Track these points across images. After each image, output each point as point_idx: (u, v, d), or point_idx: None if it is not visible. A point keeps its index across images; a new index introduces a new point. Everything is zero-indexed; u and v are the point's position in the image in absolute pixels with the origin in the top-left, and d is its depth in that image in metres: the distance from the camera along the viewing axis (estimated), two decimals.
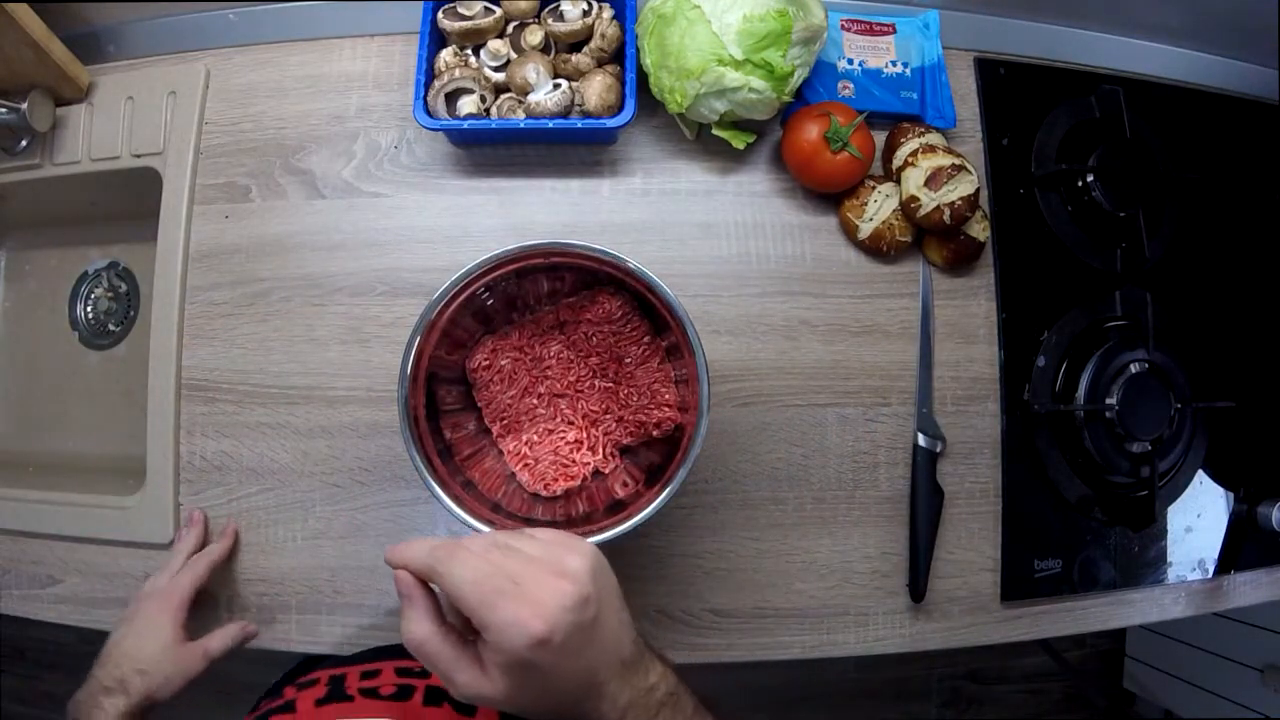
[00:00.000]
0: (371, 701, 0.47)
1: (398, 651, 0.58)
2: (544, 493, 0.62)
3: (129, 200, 0.73)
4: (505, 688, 0.33)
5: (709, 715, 0.39)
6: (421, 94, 0.63)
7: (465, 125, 0.63)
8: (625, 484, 0.60)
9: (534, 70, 0.63)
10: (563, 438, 0.62)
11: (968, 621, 0.66)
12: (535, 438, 0.63)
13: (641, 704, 0.36)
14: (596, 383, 0.62)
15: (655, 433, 0.60)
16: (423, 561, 0.35)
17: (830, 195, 0.68)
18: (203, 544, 0.64)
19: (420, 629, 0.35)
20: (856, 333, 0.68)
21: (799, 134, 0.65)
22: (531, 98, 0.63)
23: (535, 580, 0.33)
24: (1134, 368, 0.69)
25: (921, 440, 0.66)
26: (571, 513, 0.59)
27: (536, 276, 0.59)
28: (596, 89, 0.63)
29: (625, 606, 0.37)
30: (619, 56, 0.66)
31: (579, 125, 0.63)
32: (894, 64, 0.70)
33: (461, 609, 0.34)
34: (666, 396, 0.60)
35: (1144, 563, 0.70)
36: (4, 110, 0.65)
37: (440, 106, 0.64)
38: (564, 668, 0.33)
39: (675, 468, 0.52)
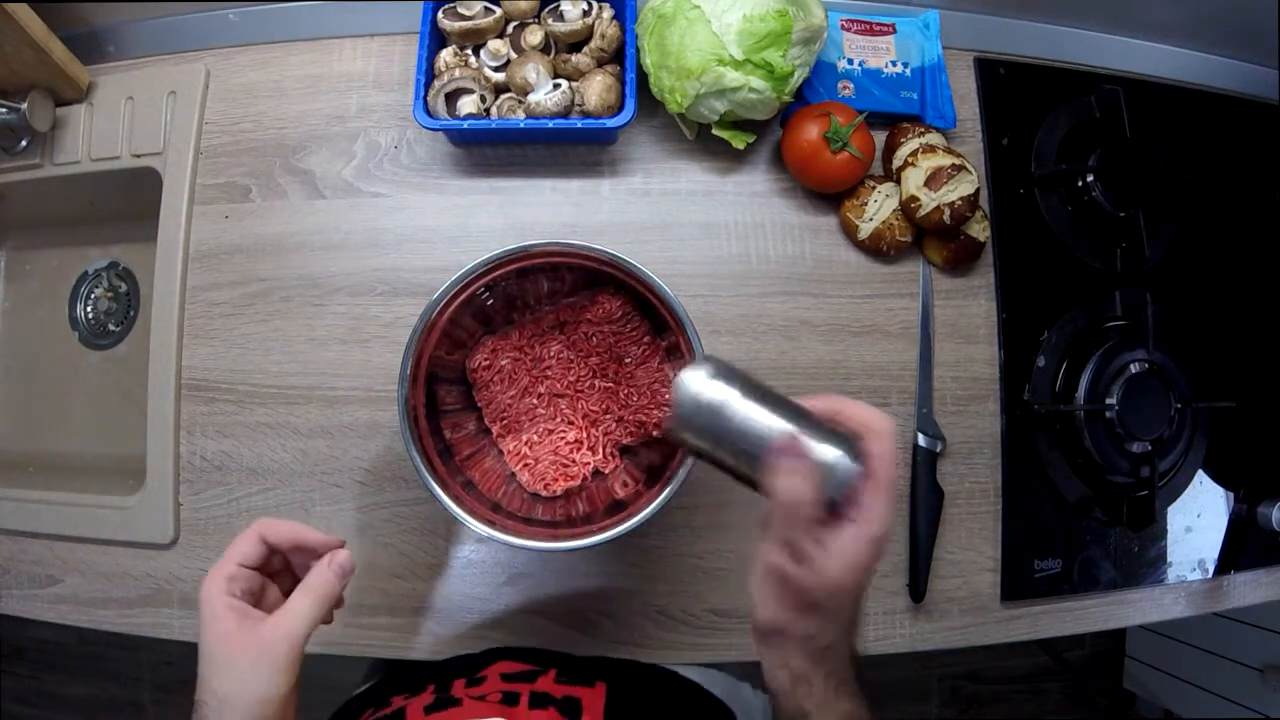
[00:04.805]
0: (480, 705, 0.48)
1: (499, 655, 0.59)
2: (544, 493, 0.62)
3: (129, 200, 0.73)
4: (834, 573, 0.36)
5: None
6: (421, 94, 0.63)
7: (465, 125, 0.63)
8: (625, 484, 0.60)
9: (534, 70, 0.63)
10: (563, 438, 0.62)
11: (968, 621, 0.66)
12: (535, 438, 0.63)
13: (846, 678, 0.40)
14: (596, 383, 0.62)
15: (655, 433, 0.60)
16: (865, 415, 0.39)
17: (830, 195, 0.68)
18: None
19: (807, 488, 0.36)
20: (856, 333, 0.68)
21: (799, 134, 0.65)
22: (531, 98, 0.63)
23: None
24: (1134, 368, 0.69)
25: (921, 440, 0.66)
26: (571, 513, 0.59)
27: (536, 276, 0.59)
28: (596, 89, 0.63)
29: None
30: (619, 56, 0.66)
31: (579, 125, 0.63)
32: (894, 64, 0.70)
33: (877, 479, 0.37)
34: (666, 396, 0.60)
35: (1144, 563, 0.70)
36: (4, 110, 0.65)
37: (440, 106, 0.64)
38: (863, 584, 0.38)
39: (675, 468, 0.52)
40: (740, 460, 0.39)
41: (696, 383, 0.38)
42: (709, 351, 0.52)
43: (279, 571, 0.47)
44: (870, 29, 0.71)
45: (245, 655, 0.41)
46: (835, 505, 0.37)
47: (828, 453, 0.37)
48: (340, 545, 0.46)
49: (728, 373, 0.39)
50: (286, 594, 0.45)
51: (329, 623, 0.45)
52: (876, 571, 0.40)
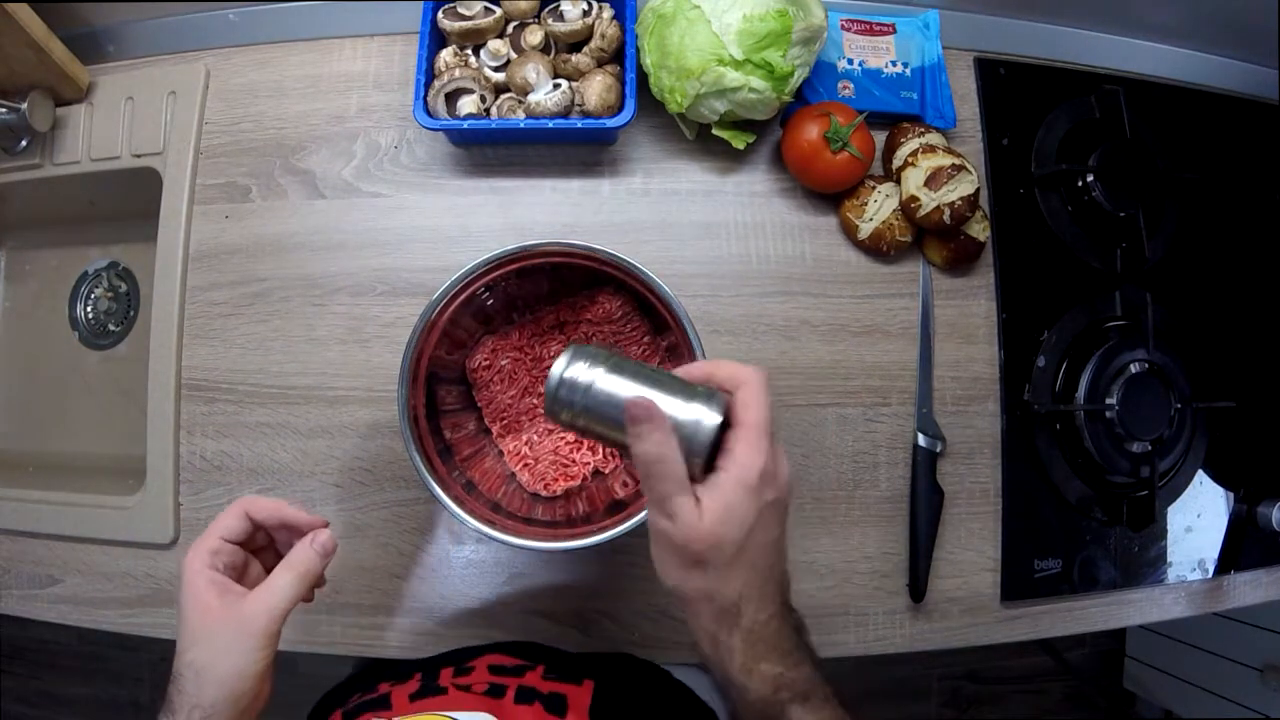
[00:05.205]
0: (465, 695, 0.48)
1: (488, 649, 0.59)
2: (544, 492, 0.62)
3: (129, 200, 0.73)
4: (707, 525, 0.36)
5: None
6: (421, 94, 0.63)
7: (465, 125, 0.63)
8: (625, 484, 0.60)
9: (534, 70, 0.63)
10: (563, 437, 0.62)
11: (968, 621, 0.66)
12: (535, 437, 0.63)
13: (768, 639, 0.38)
14: None
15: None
16: (735, 371, 0.40)
17: (830, 195, 0.68)
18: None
19: (664, 445, 0.37)
20: (856, 333, 0.68)
21: (799, 134, 0.65)
22: (531, 98, 0.63)
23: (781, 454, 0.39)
24: (1134, 368, 0.69)
25: (921, 440, 0.66)
26: (571, 513, 0.59)
27: (537, 276, 0.59)
28: (596, 89, 0.63)
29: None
30: (619, 56, 0.66)
31: (579, 125, 0.63)
32: (894, 64, 0.70)
33: (744, 425, 0.37)
34: None
35: (1144, 563, 0.70)
36: (4, 110, 0.65)
37: (440, 106, 0.64)
38: (753, 538, 0.37)
39: None
40: (610, 430, 0.41)
41: (562, 365, 0.41)
42: (708, 352, 0.52)
43: (262, 548, 0.48)
44: (870, 29, 0.71)
45: (225, 629, 0.41)
46: (709, 460, 0.38)
47: (683, 410, 0.38)
48: (324, 525, 0.46)
49: (594, 355, 0.42)
50: (268, 571, 0.45)
51: (309, 600, 0.45)
52: (783, 527, 0.39)
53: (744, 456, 0.37)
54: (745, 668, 0.38)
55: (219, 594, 0.42)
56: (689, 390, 0.40)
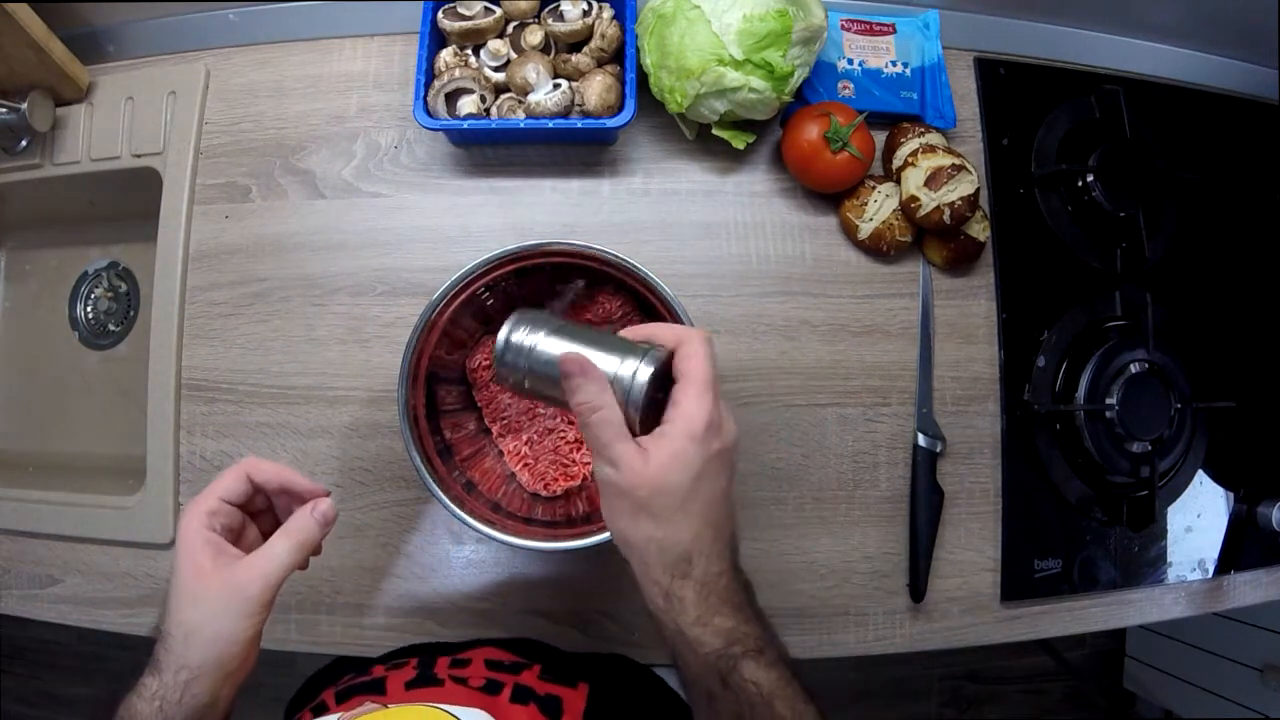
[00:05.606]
0: (461, 689, 0.47)
1: (484, 642, 0.59)
2: (544, 492, 0.62)
3: (129, 200, 0.73)
4: (653, 470, 0.37)
5: (796, 686, 0.39)
6: (421, 94, 0.63)
7: (465, 125, 0.63)
8: None
9: (534, 70, 0.63)
10: (562, 437, 0.62)
11: (968, 621, 0.66)
12: (535, 437, 0.63)
13: (720, 592, 0.38)
14: None
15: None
16: (677, 331, 0.41)
17: (830, 195, 0.68)
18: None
19: (599, 394, 0.39)
20: (857, 333, 0.68)
21: (799, 134, 0.65)
22: (531, 98, 0.63)
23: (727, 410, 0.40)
24: (1134, 368, 0.69)
25: (921, 440, 0.66)
26: (571, 512, 0.59)
27: (537, 276, 0.59)
28: (596, 89, 0.63)
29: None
30: (619, 56, 0.66)
31: (579, 125, 0.63)
32: (894, 64, 0.70)
33: (688, 378, 0.39)
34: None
35: (1144, 563, 0.70)
36: (4, 110, 0.65)
37: (440, 106, 0.64)
38: (701, 487, 0.38)
39: None
40: (551, 388, 0.43)
41: (506, 331, 0.44)
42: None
43: (261, 512, 0.47)
44: (870, 29, 0.71)
45: (218, 592, 0.41)
46: (653, 418, 0.40)
47: (620, 365, 0.40)
48: (325, 494, 0.46)
49: (535, 320, 0.44)
50: (266, 535, 0.44)
51: (304, 568, 0.45)
52: (730, 480, 0.41)
53: (688, 408, 0.38)
54: (700, 620, 0.38)
55: (213, 555, 0.41)
56: (628, 347, 0.41)
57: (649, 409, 0.40)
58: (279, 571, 0.42)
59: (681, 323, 0.53)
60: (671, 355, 0.41)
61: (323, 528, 0.44)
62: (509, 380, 0.44)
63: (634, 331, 0.43)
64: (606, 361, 0.40)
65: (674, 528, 0.38)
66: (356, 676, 0.51)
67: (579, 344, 0.42)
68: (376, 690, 0.48)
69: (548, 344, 0.43)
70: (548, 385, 0.43)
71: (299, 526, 0.44)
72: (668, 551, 0.38)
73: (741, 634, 0.38)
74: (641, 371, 0.40)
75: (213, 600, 0.40)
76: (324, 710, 0.47)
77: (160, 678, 0.40)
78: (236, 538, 0.44)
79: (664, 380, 0.41)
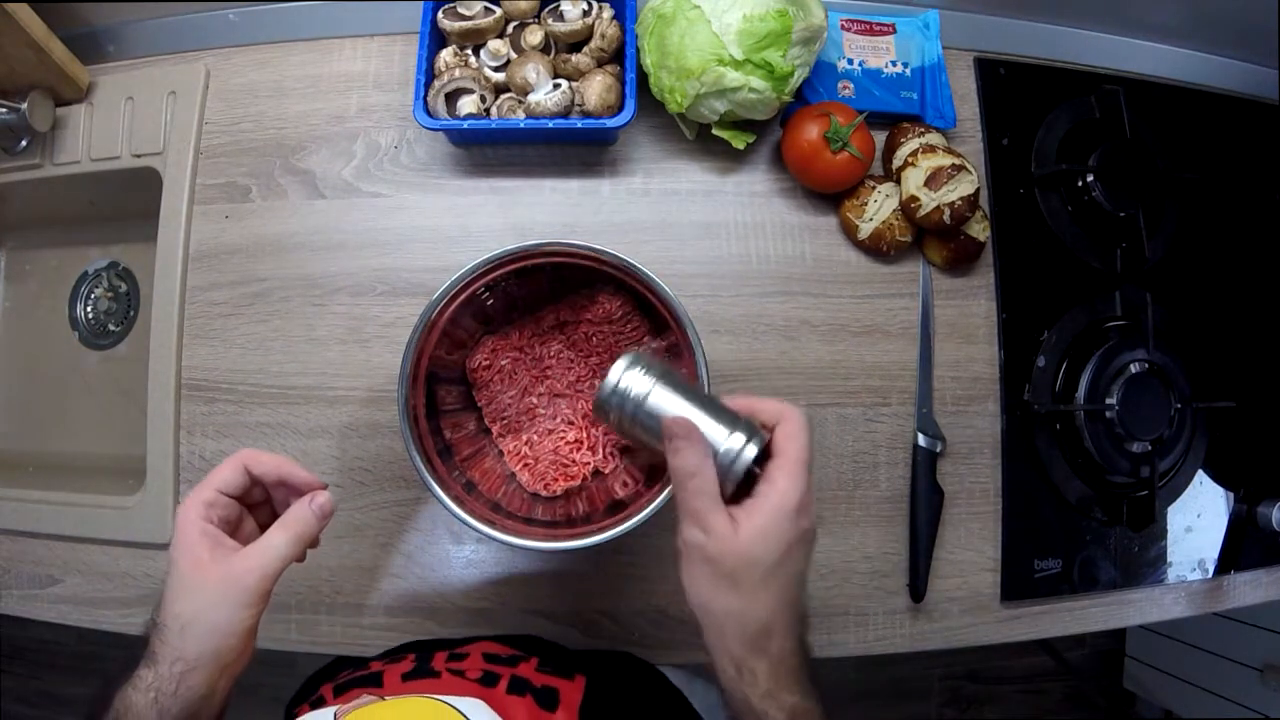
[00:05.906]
0: (458, 680, 0.48)
1: (483, 637, 0.59)
2: (544, 493, 0.62)
3: (129, 200, 0.73)
4: (743, 541, 0.38)
5: None
6: (421, 94, 0.63)
7: (465, 125, 0.63)
8: (625, 484, 0.60)
9: (534, 70, 0.63)
10: (563, 438, 0.62)
11: (968, 621, 0.66)
12: (535, 437, 0.63)
13: (794, 669, 0.39)
14: (597, 383, 0.62)
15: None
16: (780, 408, 0.42)
17: (830, 195, 0.68)
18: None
19: (701, 462, 0.39)
20: (857, 333, 0.68)
21: (799, 134, 0.65)
22: (531, 98, 0.63)
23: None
24: (1134, 368, 0.69)
25: (921, 440, 0.66)
26: (571, 513, 0.59)
27: (537, 276, 0.59)
28: (596, 89, 0.63)
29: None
30: (619, 56, 0.66)
31: (579, 125, 0.63)
32: (894, 64, 0.70)
33: (786, 457, 0.39)
34: None
35: (1144, 563, 0.70)
36: (4, 110, 0.65)
37: (440, 106, 0.64)
38: (785, 564, 0.38)
39: None
40: (650, 438, 0.44)
41: (620, 370, 0.44)
42: (708, 352, 0.52)
43: (258, 504, 0.47)
44: (870, 29, 0.71)
45: (214, 584, 0.40)
46: (747, 485, 0.40)
47: (725, 436, 0.41)
48: (323, 487, 0.46)
49: (649, 366, 0.45)
50: (263, 528, 0.44)
51: (301, 560, 0.45)
52: (808, 561, 0.41)
53: (784, 485, 0.38)
54: (769, 695, 0.38)
55: (211, 547, 0.41)
56: (732, 419, 0.42)
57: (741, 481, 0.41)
58: (276, 563, 0.42)
59: (681, 322, 0.53)
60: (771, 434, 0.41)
61: (321, 520, 0.44)
62: (609, 418, 0.45)
63: (738, 401, 0.44)
64: (712, 429, 0.41)
65: (756, 601, 0.38)
66: (355, 671, 0.51)
67: (686, 401, 0.43)
68: (374, 683, 0.48)
69: (658, 396, 0.43)
70: (647, 434, 0.44)
71: (297, 518, 0.44)
72: (748, 625, 0.38)
73: (804, 709, 0.38)
74: (748, 450, 0.40)
75: (210, 592, 0.40)
76: (322, 704, 0.47)
77: (156, 669, 0.40)
78: (234, 530, 0.44)
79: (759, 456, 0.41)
